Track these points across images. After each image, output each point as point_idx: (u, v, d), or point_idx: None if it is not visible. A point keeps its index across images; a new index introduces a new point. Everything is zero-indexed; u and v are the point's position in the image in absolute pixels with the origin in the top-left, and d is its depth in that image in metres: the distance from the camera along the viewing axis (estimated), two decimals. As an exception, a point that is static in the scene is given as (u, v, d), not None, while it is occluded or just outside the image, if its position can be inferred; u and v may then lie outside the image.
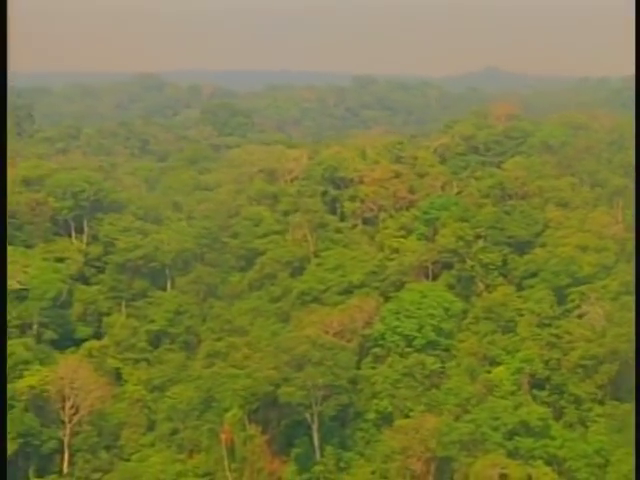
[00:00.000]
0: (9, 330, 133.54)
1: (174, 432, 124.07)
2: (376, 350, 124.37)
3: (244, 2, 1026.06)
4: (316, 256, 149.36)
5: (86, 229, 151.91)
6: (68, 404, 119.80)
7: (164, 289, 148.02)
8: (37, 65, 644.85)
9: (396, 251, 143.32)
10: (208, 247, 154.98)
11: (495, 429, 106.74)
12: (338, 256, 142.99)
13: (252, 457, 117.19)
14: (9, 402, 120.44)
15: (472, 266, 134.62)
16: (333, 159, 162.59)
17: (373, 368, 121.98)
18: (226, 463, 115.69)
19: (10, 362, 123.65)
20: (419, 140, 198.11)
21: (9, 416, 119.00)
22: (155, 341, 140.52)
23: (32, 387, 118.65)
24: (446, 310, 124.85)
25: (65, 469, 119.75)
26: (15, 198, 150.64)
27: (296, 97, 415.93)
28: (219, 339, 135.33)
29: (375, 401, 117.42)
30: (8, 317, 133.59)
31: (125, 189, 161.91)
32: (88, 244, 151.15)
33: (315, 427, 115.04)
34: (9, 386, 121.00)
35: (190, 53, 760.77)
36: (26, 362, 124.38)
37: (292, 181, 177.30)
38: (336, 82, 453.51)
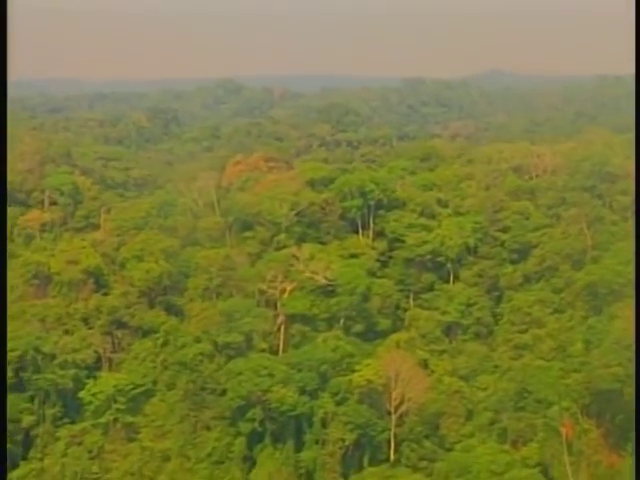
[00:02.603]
0: (316, 323, 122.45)
1: (492, 422, 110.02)
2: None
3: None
4: (594, 248, 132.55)
5: (372, 225, 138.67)
6: (393, 395, 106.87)
7: (447, 282, 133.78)
8: (124, 73, 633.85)
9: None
10: (480, 241, 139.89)
11: None
12: (630, 248, 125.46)
13: (588, 450, 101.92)
14: (343, 395, 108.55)
15: None
16: (600, 155, 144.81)
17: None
18: (565, 456, 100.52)
19: (336, 355, 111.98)
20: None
21: (344, 408, 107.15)
22: (447, 332, 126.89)
23: (369, 381, 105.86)
24: None
25: (392, 457, 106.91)
26: (305, 198, 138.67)
27: (360, 97, 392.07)
28: (523, 331, 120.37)
29: None
30: (315, 311, 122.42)
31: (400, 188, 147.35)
32: (373, 240, 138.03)
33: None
34: (340, 379, 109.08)
35: (249, 59, 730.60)
36: (351, 355, 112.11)
37: (537, 176, 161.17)
38: (386, 84, 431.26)
